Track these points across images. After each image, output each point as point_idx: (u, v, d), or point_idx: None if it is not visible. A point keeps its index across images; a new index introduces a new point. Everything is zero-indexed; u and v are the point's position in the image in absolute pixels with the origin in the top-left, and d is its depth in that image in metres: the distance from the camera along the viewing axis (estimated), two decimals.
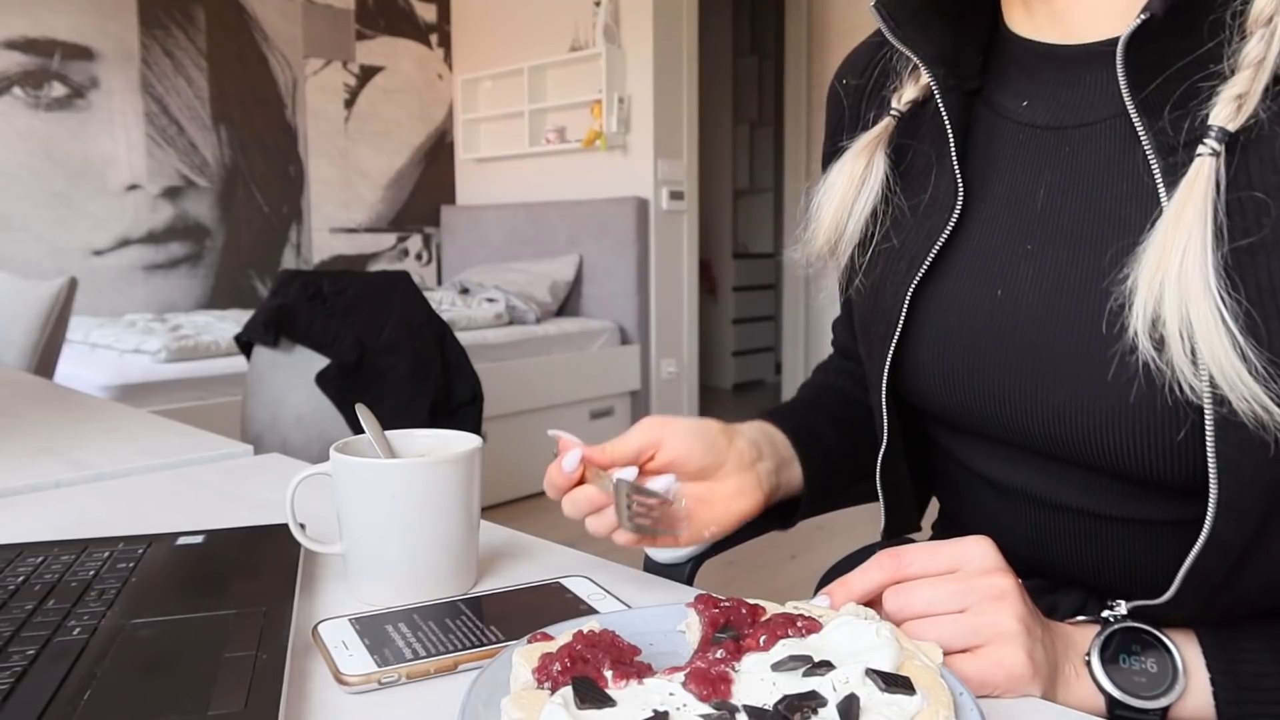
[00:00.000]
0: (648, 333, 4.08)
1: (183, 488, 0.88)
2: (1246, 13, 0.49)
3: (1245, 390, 0.45)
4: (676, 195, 4.08)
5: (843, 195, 0.66)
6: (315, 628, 0.53)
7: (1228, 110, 0.48)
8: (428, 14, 4.83)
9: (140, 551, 0.64)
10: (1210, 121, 0.48)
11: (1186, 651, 0.52)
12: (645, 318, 4.07)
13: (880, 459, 0.70)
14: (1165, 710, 0.51)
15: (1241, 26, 0.49)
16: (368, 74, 4.63)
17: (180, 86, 4.00)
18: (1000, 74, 0.64)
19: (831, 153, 0.75)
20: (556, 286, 4.10)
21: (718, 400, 5.61)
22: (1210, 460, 0.48)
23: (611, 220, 4.05)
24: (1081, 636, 0.53)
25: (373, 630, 0.53)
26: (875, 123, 0.68)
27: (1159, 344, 0.48)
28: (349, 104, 4.57)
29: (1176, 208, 0.48)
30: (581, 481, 0.60)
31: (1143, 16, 0.50)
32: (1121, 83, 0.52)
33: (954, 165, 0.61)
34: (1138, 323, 0.49)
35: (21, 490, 0.87)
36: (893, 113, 0.66)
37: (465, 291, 4.17)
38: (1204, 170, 0.48)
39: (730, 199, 6.17)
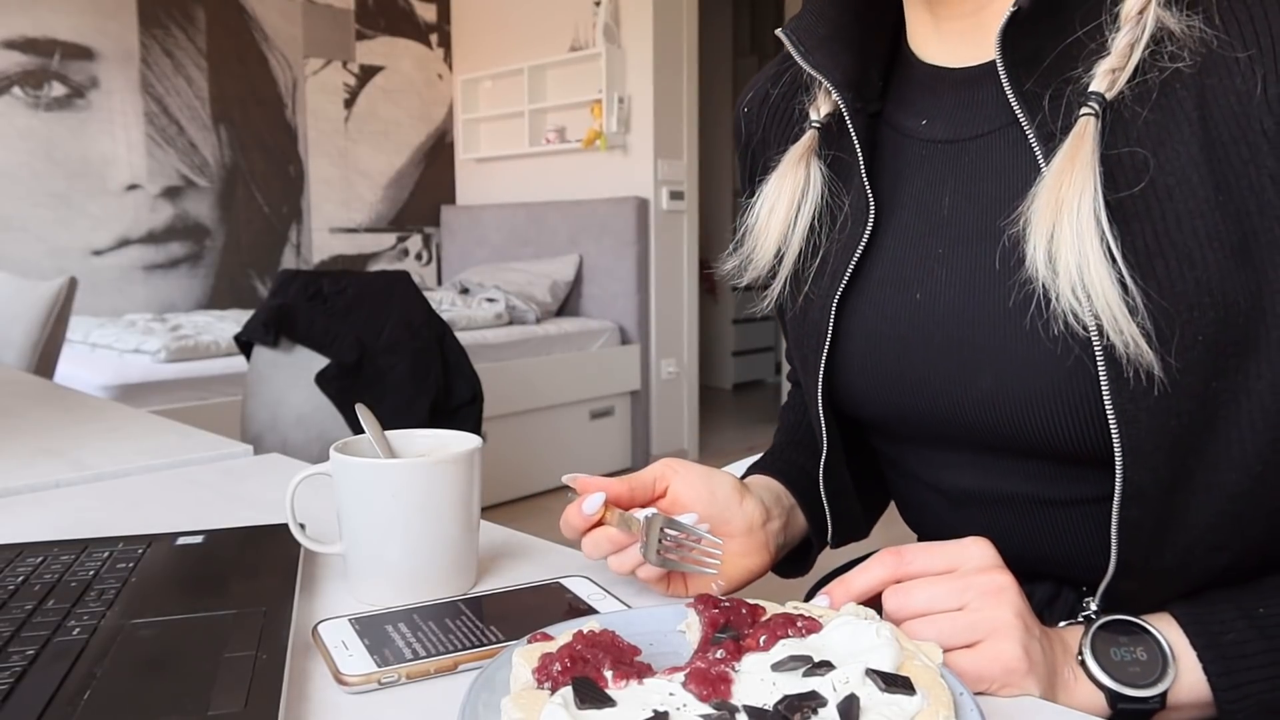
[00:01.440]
0: (648, 333, 4.08)
1: (182, 488, 0.88)
2: (1120, 7, 0.54)
3: (1123, 323, 0.51)
4: (676, 195, 4.08)
5: (788, 206, 0.68)
6: (315, 628, 0.53)
7: (1105, 81, 0.53)
8: (428, 14, 4.83)
9: (140, 551, 0.64)
10: (1091, 89, 0.53)
11: (1169, 634, 0.54)
12: (645, 318, 4.07)
13: (821, 468, 0.72)
14: (1164, 696, 0.52)
15: (1115, 18, 0.54)
16: (368, 74, 4.63)
17: (180, 86, 4.00)
18: (901, 96, 0.67)
19: (750, 173, 0.79)
20: (556, 286, 4.10)
21: (718, 400, 5.61)
22: (1109, 411, 0.53)
23: (611, 220, 4.05)
24: (1072, 638, 0.54)
25: (373, 630, 0.53)
26: (788, 139, 0.72)
27: (1054, 274, 0.52)
28: (349, 104, 4.57)
29: (1068, 155, 0.53)
30: (600, 523, 0.60)
31: (1014, 8, 0.54)
32: (1001, 72, 0.56)
33: (864, 182, 0.65)
34: (1038, 255, 0.53)
35: (21, 490, 0.87)
36: (814, 124, 0.69)
37: (465, 291, 4.16)
38: (1089, 127, 0.53)
39: (730, 199, 6.17)
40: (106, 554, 0.63)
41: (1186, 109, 0.52)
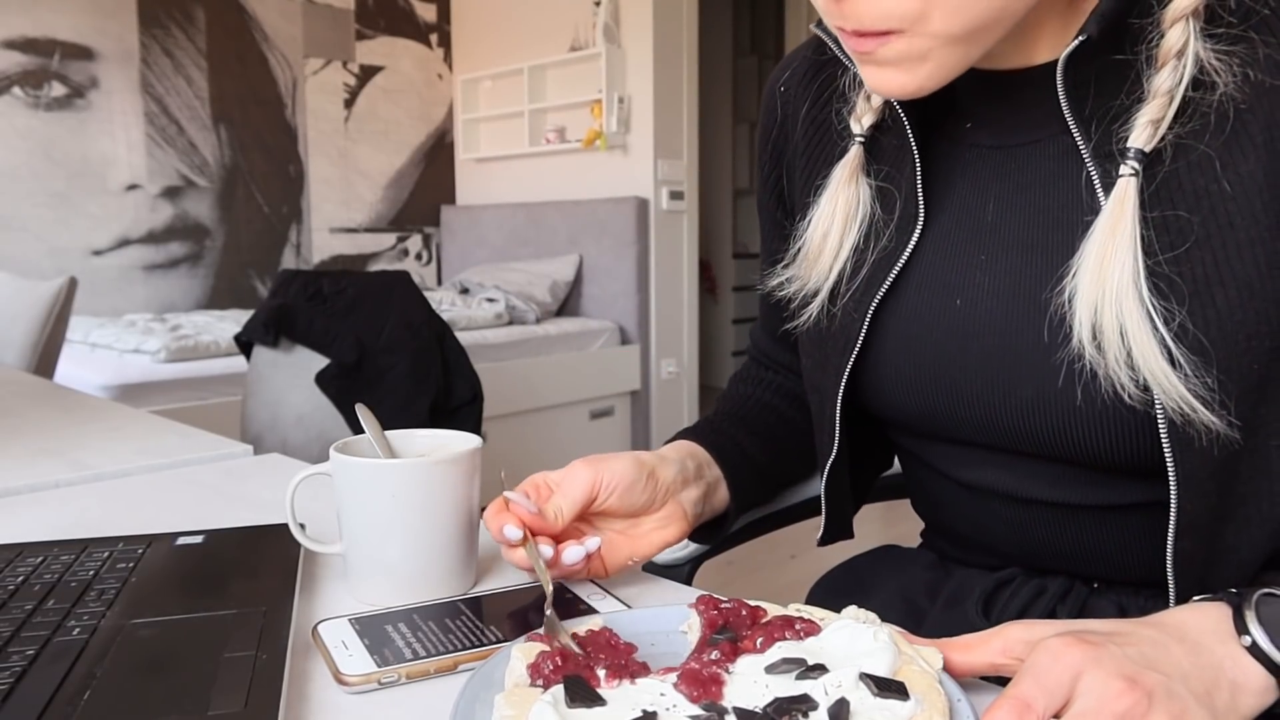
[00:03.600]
0: (648, 333, 4.08)
1: (183, 488, 0.88)
2: (1160, 45, 0.52)
3: (1174, 391, 0.50)
4: (676, 195, 4.08)
5: (842, 228, 0.66)
6: (315, 628, 0.53)
7: (1145, 134, 0.52)
8: (428, 14, 4.83)
9: (140, 551, 0.64)
10: (1129, 144, 0.52)
11: None
12: (645, 318, 4.06)
13: (827, 470, 0.72)
14: None
15: (1152, 58, 0.52)
16: (368, 74, 4.63)
17: (180, 86, 4.00)
18: (943, 98, 0.65)
19: (775, 155, 0.76)
20: (556, 286, 4.10)
21: None
22: (1164, 441, 0.52)
23: (611, 220, 4.05)
24: (1215, 631, 0.46)
25: (373, 630, 0.53)
26: (823, 146, 0.70)
27: (1099, 350, 0.52)
28: (349, 104, 4.57)
29: (1110, 223, 0.52)
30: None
31: (1080, 38, 0.53)
32: (1061, 97, 0.55)
33: (918, 191, 0.64)
34: (1082, 331, 0.53)
35: (21, 490, 0.87)
36: (859, 139, 0.67)
37: (465, 291, 4.17)
38: (1129, 190, 0.52)
39: (730, 199, 6.17)
40: (106, 554, 0.63)
41: (1252, 133, 0.51)
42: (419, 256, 4.93)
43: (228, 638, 0.49)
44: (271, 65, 4.30)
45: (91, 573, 0.60)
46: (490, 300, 3.94)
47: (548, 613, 0.50)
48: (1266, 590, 0.47)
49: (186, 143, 4.03)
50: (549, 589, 0.54)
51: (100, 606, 0.54)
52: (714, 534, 0.77)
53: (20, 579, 0.59)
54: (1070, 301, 0.54)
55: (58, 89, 3.67)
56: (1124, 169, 0.53)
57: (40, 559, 0.63)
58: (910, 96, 0.55)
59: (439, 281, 4.97)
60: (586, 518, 0.64)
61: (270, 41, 4.28)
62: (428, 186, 4.91)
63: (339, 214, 4.58)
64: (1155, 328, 0.51)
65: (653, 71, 3.95)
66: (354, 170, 4.62)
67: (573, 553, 0.60)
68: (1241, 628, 0.46)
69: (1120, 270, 0.51)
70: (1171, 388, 0.51)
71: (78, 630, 0.51)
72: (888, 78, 0.54)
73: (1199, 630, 0.46)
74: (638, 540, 0.65)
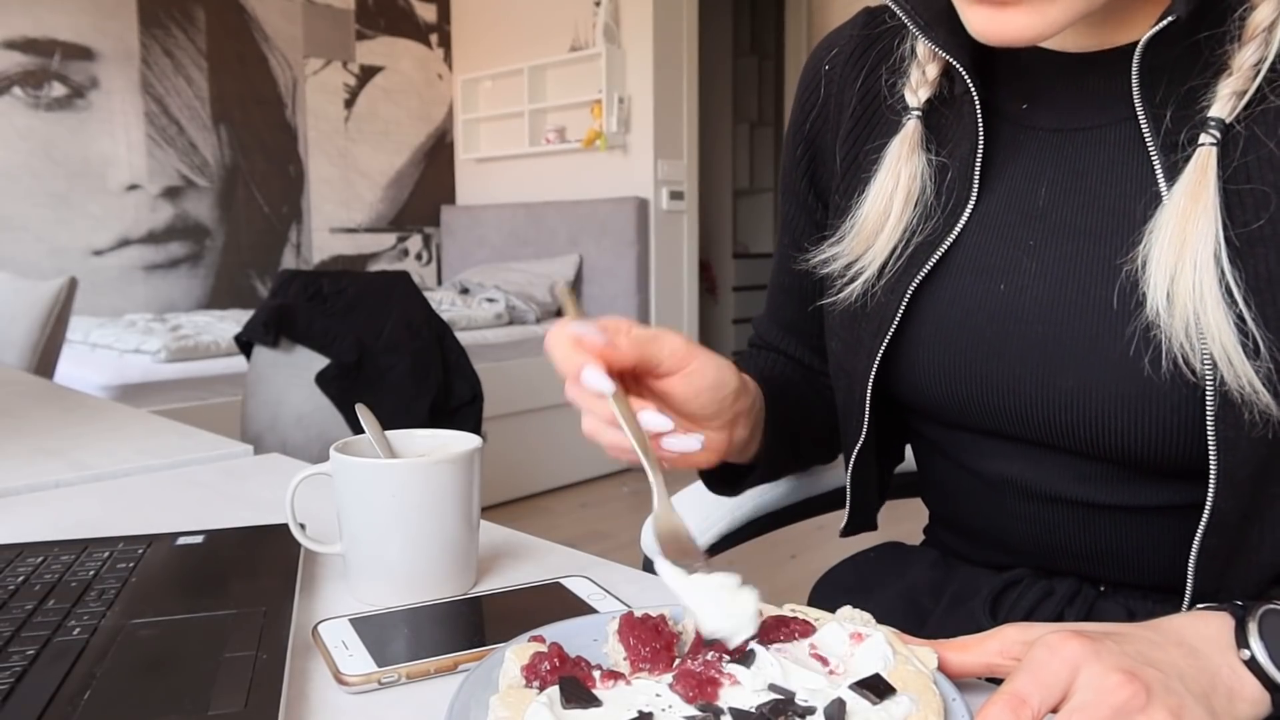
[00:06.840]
0: None
1: (183, 488, 0.88)
2: (1247, 19, 0.52)
3: (1239, 367, 0.49)
4: (676, 195, 4.08)
5: (902, 205, 0.64)
6: (315, 628, 0.53)
7: (1228, 105, 0.51)
8: (428, 14, 4.83)
9: (140, 551, 0.64)
10: (1211, 114, 0.52)
11: None
12: (645, 318, 4.06)
13: (855, 456, 0.70)
14: None
15: (1241, 34, 0.52)
16: (368, 74, 4.63)
17: (180, 86, 4.00)
18: (999, 75, 0.63)
19: (812, 135, 0.73)
20: (557, 286, 4.10)
21: None
22: (1210, 438, 0.51)
23: (611, 220, 4.05)
24: (1214, 639, 0.46)
25: (373, 630, 0.53)
26: (874, 120, 0.68)
27: (1171, 316, 0.51)
28: (349, 104, 4.57)
29: (1192, 191, 0.51)
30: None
31: (1169, 18, 0.51)
32: (1134, 81, 0.54)
33: (975, 171, 0.62)
34: (1157, 295, 0.52)
35: (21, 490, 0.87)
36: (915, 113, 0.65)
37: (465, 291, 4.17)
38: (1210, 159, 0.52)
39: (730, 199, 6.17)
40: (106, 554, 0.63)
41: None
42: (419, 256, 4.93)
43: (228, 638, 0.49)
44: (271, 65, 4.30)
45: (91, 573, 0.60)
46: (490, 300, 3.94)
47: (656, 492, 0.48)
48: (1271, 606, 0.47)
49: (186, 143, 4.03)
50: (649, 462, 0.50)
51: (100, 606, 0.54)
52: (724, 486, 0.72)
53: (20, 579, 0.59)
54: (1144, 266, 0.52)
55: (58, 89, 3.67)
56: (1205, 138, 0.51)
57: (40, 559, 0.63)
58: (1028, 43, 0.53)
59: (439, 281, 4.97)
60: (644, 393, 0.57)
61: (270, 41, 4.28)
62: (428, 186, 4.92)
63: (339, 214, 4.58)
64: (1234, 300, 0.50)
65: (653, 71, 3.95)
66: (354, 170, 4.62)
67: (684, 441, 0.55)
68: (1242, 640, 0.46)
69: (1203, 238, 0.50)
70: (1240, 363, 0.49)
71: (78, 630, 0.51)
72: (1012, 22, 0.52)
73: (1198, 637, 0.46)
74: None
